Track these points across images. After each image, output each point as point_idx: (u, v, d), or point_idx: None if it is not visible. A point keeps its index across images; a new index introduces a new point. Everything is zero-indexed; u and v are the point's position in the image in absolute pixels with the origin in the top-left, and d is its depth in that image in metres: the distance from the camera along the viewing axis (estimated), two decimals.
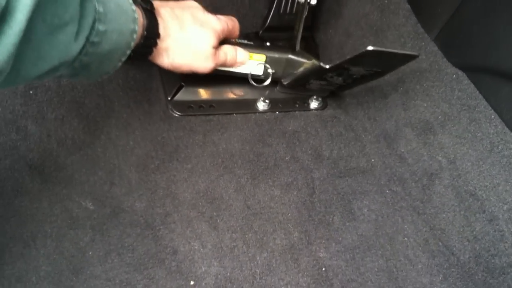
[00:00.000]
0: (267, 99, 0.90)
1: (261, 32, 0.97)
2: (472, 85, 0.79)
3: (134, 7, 0.61)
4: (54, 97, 0.80)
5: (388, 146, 0.87)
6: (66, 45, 0.49)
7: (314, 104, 0.93)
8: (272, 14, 0.95)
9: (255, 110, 0.90)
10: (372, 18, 0.94)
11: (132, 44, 0.62)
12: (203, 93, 0.88)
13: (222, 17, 0.80)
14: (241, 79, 0.89)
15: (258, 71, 0.86)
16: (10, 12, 0.40)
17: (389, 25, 0.91)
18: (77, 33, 0.50)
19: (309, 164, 0.84)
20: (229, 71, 0.85)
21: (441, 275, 0.74)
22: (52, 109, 0.78)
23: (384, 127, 0.89)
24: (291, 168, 0.83)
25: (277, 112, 0.91)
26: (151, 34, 0.68)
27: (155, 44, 0.69)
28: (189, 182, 0.77)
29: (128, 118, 0.81)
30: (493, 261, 0.71)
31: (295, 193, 0.80)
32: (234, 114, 0.88)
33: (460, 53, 0.81)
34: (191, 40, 0.74)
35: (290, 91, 0.91)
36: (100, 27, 0.54)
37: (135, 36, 0.62)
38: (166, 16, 0.71)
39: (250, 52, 0.84)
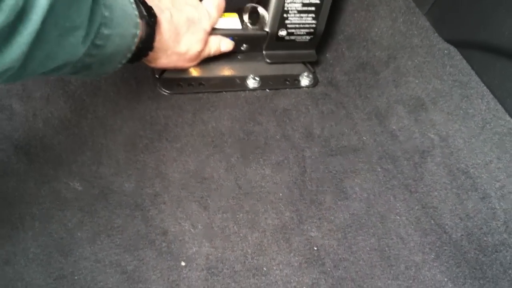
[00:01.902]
0: (257, 77, 0.89)
1: (247, 5, 0.95)
2: (464, 61, 0.79)
3: (137, 12, 0.62)
4: (39, 76, 0.78)
5: (379, 124, 0.86)
6: (74, 47, 0.50)
7: (305, 81, 0.92)
8: None
9: (245, 87, 0.89)
10: None
11: (133, 47, 0.63)
12: (192, 71, 0.87)
13: (212, 10, 0.80)
14: (231, 56, 0.87)
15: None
16: (26, 13, 0.41)
17: (381, 1, 0.90)
18: (85, 37, 0.51)
19: (300, 143, 0.83)
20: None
21: (433, 254, 0.74)
22: (37, 88, 0.77)
23: (376, 104, 0.88)
24: (282, 146, 0.82)
25: (267, 90, 0.89)
26: (145, 46, 0.68)
27: (146, 55, 0.69)
28: (178, 161, 0.76)
29: (115, 96, 0.80)
30: (485, 239, 0.71)
31: (286, 172, 0.79)
32: (224, 92, 0.87)
33: (452, 28, 0.80)
34: (181, 51, 0.75)
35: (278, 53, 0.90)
36: (105, 31, 0.55)
37: (136, 40, 0.63)
38: (164, 28, 0.71)
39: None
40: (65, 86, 0.78)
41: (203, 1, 0.79)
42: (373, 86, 0.89)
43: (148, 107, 0.81)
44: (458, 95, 0.78)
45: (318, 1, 0.86)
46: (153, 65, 0.75)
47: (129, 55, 0.63)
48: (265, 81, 0.90)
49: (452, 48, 0.79)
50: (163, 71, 0.84)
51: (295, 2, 0.84)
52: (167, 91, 0.83)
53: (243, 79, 0.89)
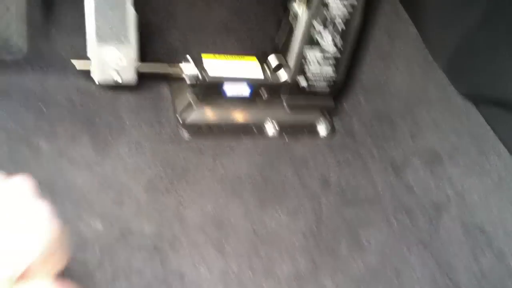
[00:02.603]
0: (276, 124, 0.91)
1: (270, 53, 0.97)
2: (481, 117, 0.80)
3: None
4: (66, 114, 0.80)
5: (395, 175, 0.87)
6: None
7: (322, 130, 0.94)
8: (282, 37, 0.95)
9: (264, 134, 0.91)
10: (380, 43, 0.95)
11: None
12: (213, 116, 0.89)
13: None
14: (250, 103, 0.89)
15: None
16: None
17: (399, 53, 0.92)
18: None
19: (317, 191, 0.84)
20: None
21: None
22: (64, 127, 0.79)
23: (392, 155, 0.89)
24: (298, 194, 0.83)
25: (285, 137, 0.91)
26: None
27: None
28: (197, 205, 0.77)
29: (138, 138, 0.82)
30: None
31: (302, 219, 0.80)
32: (243, 138, 0.89)
33: (469, 83, 0.81)
34: None
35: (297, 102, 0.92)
36: None
37: None
38: None
39: None
40: (91, 126, 0.80)
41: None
42: (389, 137, 0.90)
43: (170, 150, 0.82)
44: (474, 150, 0.79)
45: (337, 52, 0.88)
46: None
47: None
48: (283, 128, 0.92)
49: (469, 103, 0.81)
50: (185, 115, 0.86)
51: (315, 53, 0.87)
52: (189, 135, 0.85)
53: (262, 125, 0.91)
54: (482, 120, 0.80)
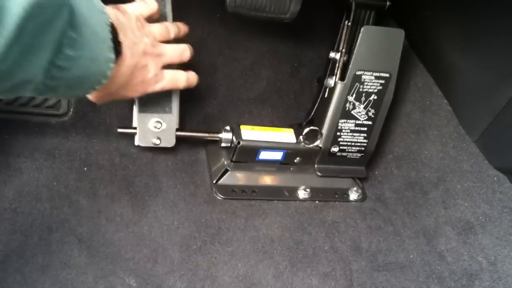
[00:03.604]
0: (307, 188, 0.92)
1: (304, 123, 1.01)
2: None
3: (111, 35, 0.57)
4: (107, 174, 0.84)
5: (427, 243, 0.87)
6: (35, 69, 0.48)
7: (353, 196, 0.95)
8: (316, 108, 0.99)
9: (295, 198, 0.92)
10: (413, 117, 0.98)
11: (108, 73, 0.58)
12: (247, 179, 0.91)
13: (168, 45, 0.76)
14: (283, 168, 0.92)
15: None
16: (2, 18, 0.41)
17: (431, 125, 0.94)
18: (51, 61, 0.49)
19: (348, 256, 0.85)
20: None
21: None
22: (104, 186, 0.82)
23: (424, 223, 0.89)
24: (329, 258, 0.84)
25: (317, 201, 0.93)
26: None
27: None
28: (229, 265, 0.78)
29: (174, 198, 0.84)
30: None
31: (333, 284, 0.80)
32: (275, 201, 0.90)
33: (502, 156, 0.83)
34: (137, 77, 0.70)
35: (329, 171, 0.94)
36: (70, 52, 0.50)
37: (111, 65, 0.58)
38: (126, 46, 0.64)
39: None
40: (129, 186, 0.83)
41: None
42: (421, 206, 0.91)
43: (203, 210, 0.84)
44: (507, 221, 0.79)
45: (370, 122, 0.91)
46: (109, 95, 0.69)
47: (104, 81, 0.58)
48: (315, 192, 0.93)
49: (501, 175, 0.82)
50: (219, 177, 0.89)
51: (348, 122, 0.90)
52: (222, 196, 0.87)
53: (294, 189, 0.93)
54: None
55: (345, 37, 0.91)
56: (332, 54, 0.91)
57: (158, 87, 0.75)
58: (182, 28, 0.81)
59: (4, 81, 0.47)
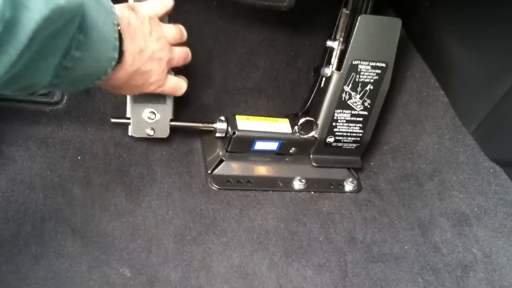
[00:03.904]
0: (303, 179, 0.92)
1: (300, 114, 1.00)
2: (509, 180, 0.81)
3: (117, 34, 0.58)
4: (101, 164, 0.83)
5: (422, 235, 0.87)
6: (44, 72, 0.49)
7: (349, 187, 0.95)
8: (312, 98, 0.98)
9: (291, 188, 0.92)
10: (410, 108, 0.97)
11: (109, 71, 0.60)
12: (242, 169, 0.91)
13: (176, 49, 0.75)
14: (279, 158, 0.91)
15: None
16: (15, 31, 0.41)
17: (427, 116, 0.94)
18: (59, 64, 0.50)
19: (343, 247, 0.85)
20: None
21: None
22: (98, 176, 0.82)
23: (419, 215, 0.89)
24: (324, 249, 0.84)
25: (312, 192, 0.92)
26: None
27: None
28: (223, 255, 0.78)
29: (169, 188, 0.84)
30: None
31: (327, 274, 0.80)
32: (271, 191, 0.90)
33: (498, 148, 0.83)
34: (138, 81, 0.69)
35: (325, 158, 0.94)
36: (76, 54, 0.52)
37: (113, 63, 0.59)
38: (129, 53, 0.64)
39: None
40: (124, 176, 0.83)
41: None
42: (416, 197, 0.91)
43: (198, 201, 0.84)
44: (502, 213, 0.79)
45: (366, 112, 0.90)
46: (107, 85, 0.67)
47: (104, 77, 0.60)
48: (310, 183, 0.93)
49: (497, 167, 0.82)
50: (214, 167, 0.88)
51: (344, 112, 0.89)
52: (217, 187, 0.87)
53: (290, 180, 0.92)
54: (510, 183, 0.81)
55: (342, 25, 0.90)
56: (329, 43, 0.91)
57: (157, 90, 0.74)
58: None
59: (13, 84, 0.48)
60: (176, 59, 0.75)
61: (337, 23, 0.91)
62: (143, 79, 0.69)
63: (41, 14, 0.42)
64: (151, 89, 0.73)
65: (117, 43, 0.59)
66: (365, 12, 0.91)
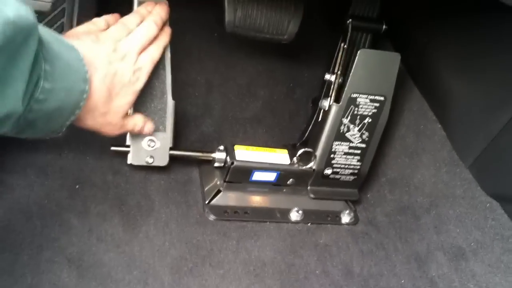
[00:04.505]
0: (300, 210, 0.92)
1: (298, 144, 1.01)
2: (505, 215, 0.81)
3: (86, 68, 0.60)
4: (99, 193, 0.83)
5: (418, 268, 0.87)
6: (13, 100, 0.50)
7: (345, 219, 0.95)
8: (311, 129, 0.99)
9: (288, 220, 0.92)
10: (407, 141, 0.98)
11: (82, 104, 0.61)
12: (239, 200, 0.91)
13: (146, 64, 0.75)
14: (276, 188, 0.92)
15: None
16: None
17: (424, 149, 0.94)
18: (25, 90, 0.51)
19: (339, 280, 0.84)
20: None
21: None
22: (96, 205, 0.82)
23: (415, 249, 0.89)
24: (321, 282, 0.83)
25: (309, 224, 0.92)
26: None
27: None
28: None
29: (166, 218, 0.84)
30: None
31: None
32: (268, 222, 0.90)
33: (495, 182, 0.83)
34: (107, 113, 0.70)
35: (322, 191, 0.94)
36: (46, 85, 0.53)
37: (85, 96, 0.61)
38: (96, 87, 0.65)
39: None
40: (121, 205, 0.83)
41: (139, 58, 0.74)
42: (413, 231, 0.91)
43: (195, 231, 0.84)
44: (499, 248, 0.79)
45: (364, 145, 0.91)
46: (79, 124, 0.68)
47: (77, 111, 0.61)
48: (307, 215, 0.93)
49: (494, 202, 0.82)
50: (212, 198, 0.88)
51: (342, 145, 0.90)
52: (214, 217, 0.87)
53: (287, 211, 0.92)
54: (507, 218, 0.81)
55: (340, 59, 0.92)
56: (327, 76, 0.92)
57: (142, 79, 0.74)
58: (161, 13, 0.79)
59: None
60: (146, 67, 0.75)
61: (335, 56, 0.92)
62: (120, 82, 0.70)
63: None
64: (134, 85, 0.73)
65: (86, 76, 0.60)
66: (363, 47, 0.93)
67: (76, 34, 0.68)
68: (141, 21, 0.76)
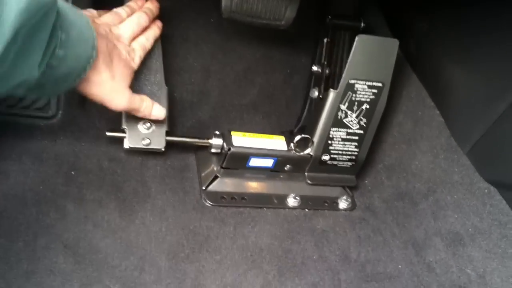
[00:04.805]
0: (297, 196, 0.92)
1: (295, 131, 1.00)
2: (503, 201, 0.81)
3: (95, 33, 0.64)
4: (95, 179, 0.83)
5: (416, 254, 0.87)
6: (30, 69, 0.53)
7: (343, 205, 0.95)
8: (308, 115, 0.98)
9: (285, 206, 0.92)
10: (405, 127, 0.98)
11: (88, 68, 0.64)
12: (236, 186, 0.90)
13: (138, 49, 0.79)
14: (273, 175, 0.91)
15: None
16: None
17: (422, 136, 0.94)
18: (42, 59, 0.53)
19: (336, 265, 0.84)
20: None
21: None
22: (92, 191, 0.81)
23: (413, 234, 0.89)
24: (318, 267, 0.83)
25: (306, 210, 0.92)
26: None
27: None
28: (217, 274, 0.78)
29: (163, 205, 0.84)
30: None
31: None
32: (265, 208, 0.90)
33: (493, 169, 0.83)
34: (112, 78, 0.70)
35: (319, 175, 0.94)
36: (60, 52, 0.56)
37: (91, 61, 0.64)
38: (101, 50, 0.67)
39: None
40: (117, 192, 0.82)
41: (132, 44, 0.78)
42: (411, 216, 0.91)
43: (192, 217, 0.84)
44: (497, 234, 0.79)
45: (361, 131, 0.90)
46: (88, 91, 0.69)
47: (83, 75, 0.64)
48: (304, 201, 0.93)
49: (492, 188, 0.82)
50: (209, 184, 0.88)
51: (340, 131, 0.89)
52: (211, 203, 0.87)
53: (284, 197, 0.92)
54: (505, 204, 0.81)
55: (325, 52, 0.93)
56: (314, 68, 0.93)
57: (136, 60, 0.78)
58: (152, 8, 0.83)
59: (4, 81, 0.51)
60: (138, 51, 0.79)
61: (319, 49, 0.93)
62: (117, 56, 0.72)
63: (19, 6, 0.47)
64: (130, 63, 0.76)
65: (95, 43, 0.64)
66: (343, 42, 0.94)
67: None
68: (132, 13, 0.81)
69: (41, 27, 0.52)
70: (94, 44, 0.64)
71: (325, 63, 0.91)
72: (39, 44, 0.52)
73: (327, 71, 0.91)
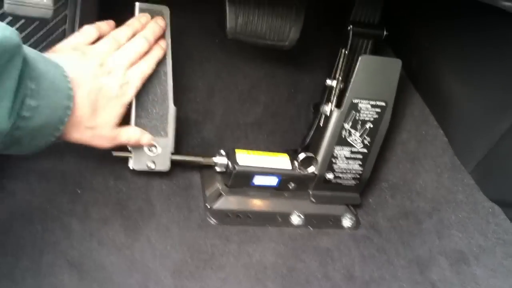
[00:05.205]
0: (301, 214, 0.92)
1: (299, 150, 1.01)
2: (508, 220, 0.81)
3: (70, 85, 0.62)
4: (100, 197, 0.83)
5: (420, 273, 0.87)
6: (0, 119, 0.52)
7: (347, 223, 0.95)
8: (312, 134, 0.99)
9: (289, 224, 0.92)
10: (409, 146, 0.98)
11: (66, 119, 0.63)
12: (241, 204, 0.91)
13: (136, 79, 0.76)
14: (277, 193, 0.92)
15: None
16: None
17: (426, 155, 0.94)
18: (11, 108, 0.52)
19: (341, 285, 0.84)
20: None
21: None
22: (97, 209, 0.82)
23: (417, 253, 0.89)
24: (322, 286, 0.83)
25: (310, 228, 0.92)
26: None
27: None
28: None
29: (167, 223, 0.84)
30: None
31: None
32: (269, 227, 0.90)
33: (497, 188, 0.83)
34: (95, 126, 0.71)
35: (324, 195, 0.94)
36: (32, 102, 0.55)
37: (69, 112, 0.63)
38: (80, 102, 0.66)
39: None
40: (123, 210, 0.83)
41: (128, 72, 0.75)
42: (415, 235, 0.91)
43: (197, 235, 0.84)
44: (501, 253, 0.79)
45: (365, 150, 0.91)
46: (67, 138, 0.69)
47: (61, 127, 0.63)
48: (309, 219, 0.93)
49: (496, 207, 0.82)
50: (213, 202, 0.88)
51: (344, 149, 0.90)
52: (216, 221, 0.87)
53: (288, 215, 0.92)
54: (509, 224, 0.81)
55: (341, 65, 0.92)
56: (328, 82, 0.92)
57: (130, 92, 0.75)
58: (155, 28, 0.80)
59: None
60: (134, 81, 0.76)
61: (336, 62, 0.92)
62: (106, 96, 0.71)
63: None
64: (121, 99, 0.74)
65: (71, 92, 0.62)
66: (365, 52, 0.93)
67: (63, 49, 0.70)
68: (133, 35, 0.77)
69: (7, 73, 0.51)
70: (70, 94, 0.62)
71: (340, 78, 0.90)
72: (6, 91, 0.51)
73: (341, 86, 0.91)
